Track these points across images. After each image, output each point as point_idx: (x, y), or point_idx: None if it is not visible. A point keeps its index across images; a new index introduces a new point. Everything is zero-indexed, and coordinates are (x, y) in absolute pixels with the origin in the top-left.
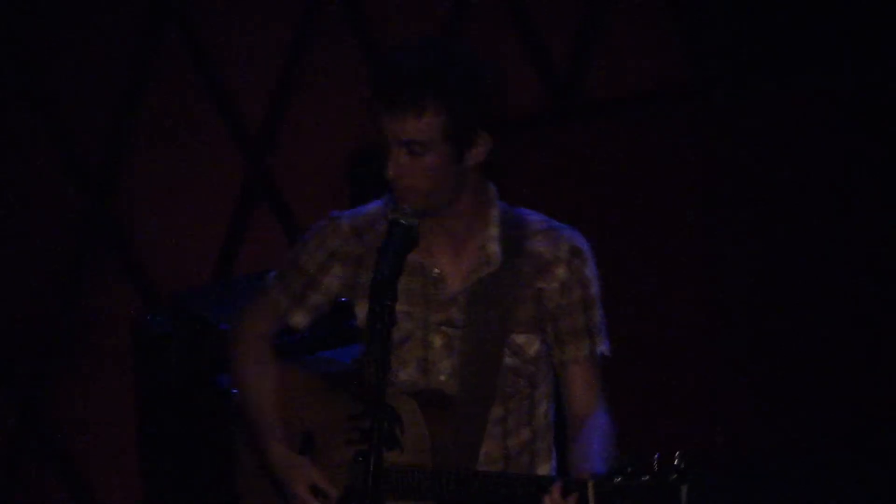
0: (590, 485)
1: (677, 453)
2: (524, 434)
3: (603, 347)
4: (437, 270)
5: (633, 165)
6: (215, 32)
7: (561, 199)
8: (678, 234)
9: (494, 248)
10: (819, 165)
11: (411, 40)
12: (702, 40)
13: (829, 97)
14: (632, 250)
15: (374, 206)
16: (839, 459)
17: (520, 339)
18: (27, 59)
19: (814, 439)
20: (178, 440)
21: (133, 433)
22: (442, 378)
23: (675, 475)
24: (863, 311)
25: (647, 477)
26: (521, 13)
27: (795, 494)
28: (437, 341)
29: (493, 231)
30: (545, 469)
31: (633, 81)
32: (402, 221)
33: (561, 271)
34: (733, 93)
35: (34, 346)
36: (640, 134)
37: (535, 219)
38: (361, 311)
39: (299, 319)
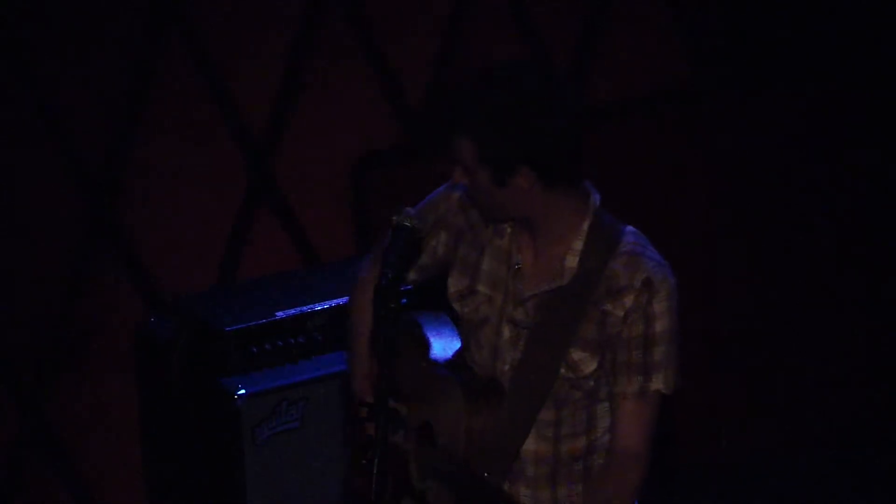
0: None
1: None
2: (580, 443)
3: (661, 386)
4: (518, 263)
5: (633, 169)
6: (218, 36)
7: None
8: (680, 237)
9: (572, 262)
10: (823, 168)
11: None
12: (703, 43)
13: (832, 99)
14: None
15: None
16: (841, 460)
17: (577, 355)
18: (30, 63)
19: (815, 440)
20: (181, 444)
21: (136, 437)
22: (506, 368)
23: None
24: (865, 312)
25: None
26: (522, 17)
27: (796, 495)
28: (506, 332)
29: (578, 245)
30: None
31: (635, 85)
32: (406, 224)
33: (629, 299)
34: (735, 96)
35: (37, 349)
36: (641, 137)
37: (629, 239)
38: (453, 283)
39: (411, 276)
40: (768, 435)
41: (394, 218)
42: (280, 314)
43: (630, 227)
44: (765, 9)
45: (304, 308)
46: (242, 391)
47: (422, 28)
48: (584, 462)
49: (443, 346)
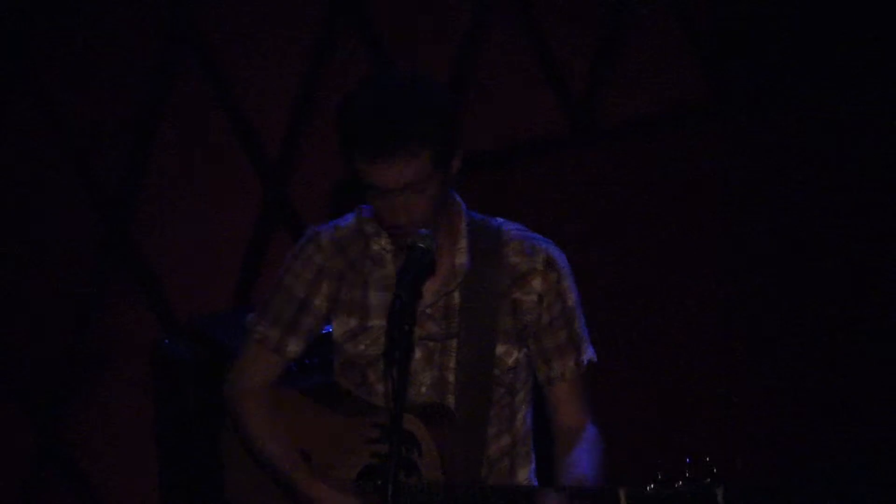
0: (621, 493)
1: (708, 458)
2: (504, 440)
3: (588, 355)
4: None
5: (651, 186)
6: (233, 55)
7: (579, 222)
8: (697, 254)
9: (462, 259)
10: (840, 184)
11: (366, 83)
12: (719, 60)
13: (849, 115)
14: (651, 270)
15: (350, 220)
16: (858, 476)
17: (499, 349)
18: (46, 82)
19: (835, 458)
20: (196, 464)
21: (151, 457)
22: (423, 390)
23: (710, 479)
24: (886, 328)
25: (681, 483)
26: (538, 36)
27: None
28: (417, 354)
29: (463, 243)
30: (524, 473)
31: (651, 102)
32: (420, 245)
33: (537, 282)
34: (752, 112)
35: (53, 370)
36: (658, 155)
37: (509, 227)
38: (339, 326)
39: (293, 348)
40: (789, 455)
41: (409, 240)
42: None
43: (499, 218)
44: (782, 27)
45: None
46: None
47: (437, 45)
48: (509, 457)
49: None
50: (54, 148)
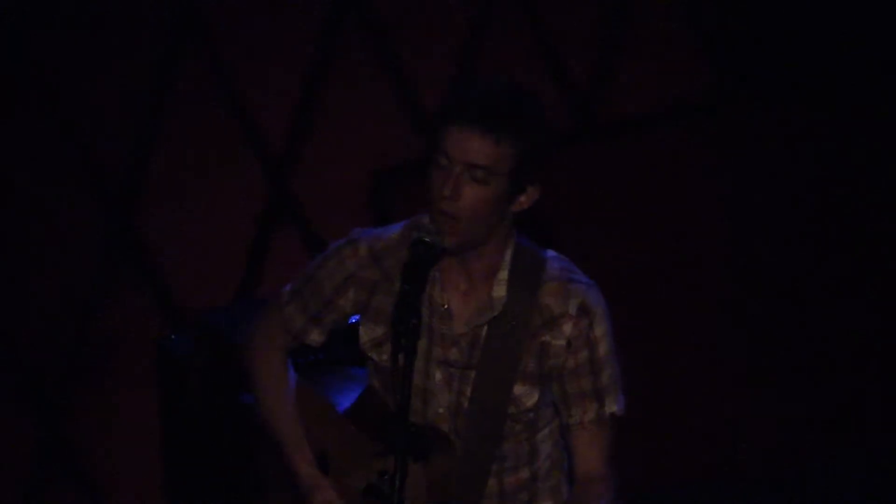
0: None
1: None
2: (523, 474)
3: (615, 408)
4: (445, 306)
5: (656, 181)
6: (238, 51)
7: (581, 215)
8: (703, 248)
9: (500, 292)
10: (848, 178)
11: (489, 76)
12: (724, 52)
13: (856, 108)
14: (656, 265)
15: (395, 230)
16: (862, 476)
17: (519, 390)
18: (51, 81)
19: (841, 455)
20: (202, 460)
21: (156, 451)
22: (440, 411)
23: None
24: (888, 324)
25: None
26: (541, 30)
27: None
28: (438, 375)
29: (503, 275)
30: None
31: (656, 96)
32: (426, 239)
33: (567, 327)
34: (757, 103)
35: (57, 366)
36: (664, 149)
37: (553, 266)
38: (366, 332)
39: (315, 338)
40: (793, 453)
41: (414, 234)
42: None
43: (551, 252)
44: (788, 20)
45: None
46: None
47: (440, 43)
48: (528, 491)
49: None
50: (58, 143)
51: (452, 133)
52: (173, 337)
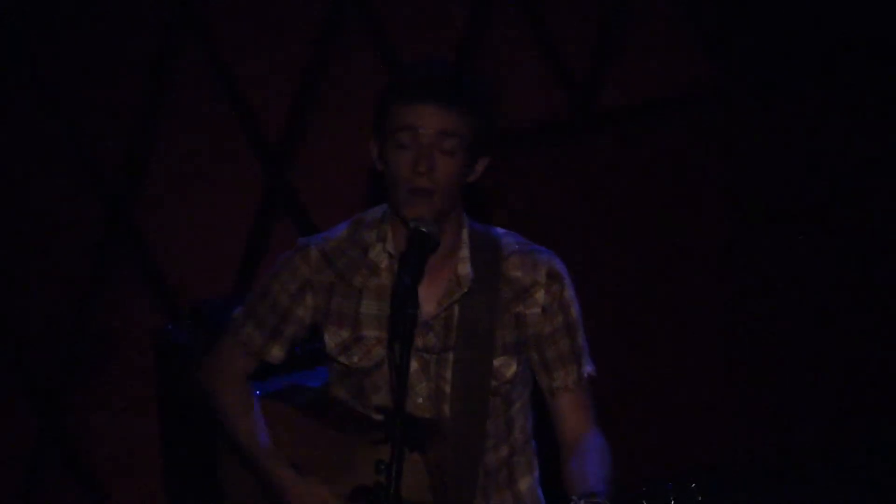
0: None
1: (692, 486)
2: (502, 451)
3: (589, 368)
4: None
5: (655, 172)
6: (236, 43)
7: (581, 206)
8: (701, 243)
9: (465, 269)
10: (847, 174)
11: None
12: (724, 44)
13: (856, 98)
14: (653, 256)
15: (340, 231)
16: (843, 469)
17: (497, 361)
18: (48, 74)
19: (822, 450)
20: (200, 451)
21: (155, 444)
22: (419, 401)
23: None
24: (889, 322)
25: None
26: (540, 21)
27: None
28: (413, 365)
29: (465, 252)
30: (526, 482)
31: (655, 87)
32: (423, 229)
33: (540, 295)
34: (757, 96)
35: (56, 358)
36: (663, 140)
37: (509, 240)
38: (331, 338)
39: (276, 353)
40: (773, 446)
41: (411, 224)
42: None
43: (500, 228)
44: (787, 10)
45: None
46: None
47: (438, 35)
48: (507, 468)
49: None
50: (56, 138)
51: (415, 109)
52: (170, 327)
